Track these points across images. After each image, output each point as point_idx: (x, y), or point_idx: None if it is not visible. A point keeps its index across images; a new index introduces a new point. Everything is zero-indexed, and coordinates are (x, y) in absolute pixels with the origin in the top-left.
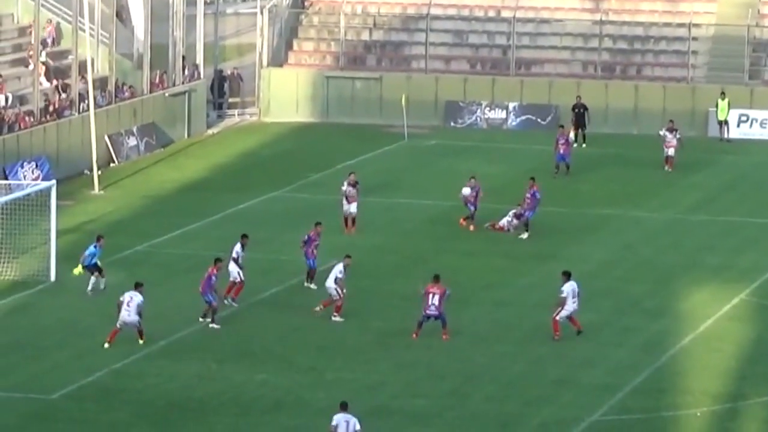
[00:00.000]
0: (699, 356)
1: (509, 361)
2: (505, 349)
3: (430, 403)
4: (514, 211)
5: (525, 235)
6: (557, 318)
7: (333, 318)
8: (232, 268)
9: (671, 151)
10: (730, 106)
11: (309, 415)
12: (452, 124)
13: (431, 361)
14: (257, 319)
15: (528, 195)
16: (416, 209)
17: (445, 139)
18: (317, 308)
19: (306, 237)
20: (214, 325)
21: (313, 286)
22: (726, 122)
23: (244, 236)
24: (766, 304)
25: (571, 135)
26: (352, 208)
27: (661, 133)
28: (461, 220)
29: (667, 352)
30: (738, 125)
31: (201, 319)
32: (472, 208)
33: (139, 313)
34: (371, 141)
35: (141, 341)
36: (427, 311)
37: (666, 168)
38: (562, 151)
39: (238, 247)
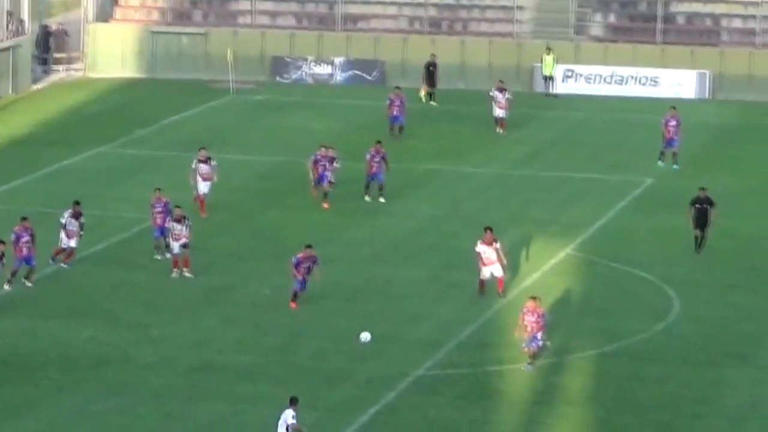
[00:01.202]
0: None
1: (336, 317)
2: (332, 305)
3: (257, 359)
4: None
5: (382, 199)
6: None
7: None
8: (62, 234)
9: (502, 113)
10: (555, 62)
11: (135, 372)
12: (278, 79)
13: (258, 318)
14: (83, 276)
15: (376, 157)
16: (243, 165)
17: (272, 94)
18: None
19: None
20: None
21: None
22: (552, 78)
23: (77, 203)
24: (592, 258)
25: (422, 92)
26: (205, 187)
27: (491, 93)
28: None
29: (493, 306)
30: (564, 80)
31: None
32: (326, 182)
33: None
34: (198, 96)
35: None
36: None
37: (498, 130)
38: (395, 113)
39: (67, 214)
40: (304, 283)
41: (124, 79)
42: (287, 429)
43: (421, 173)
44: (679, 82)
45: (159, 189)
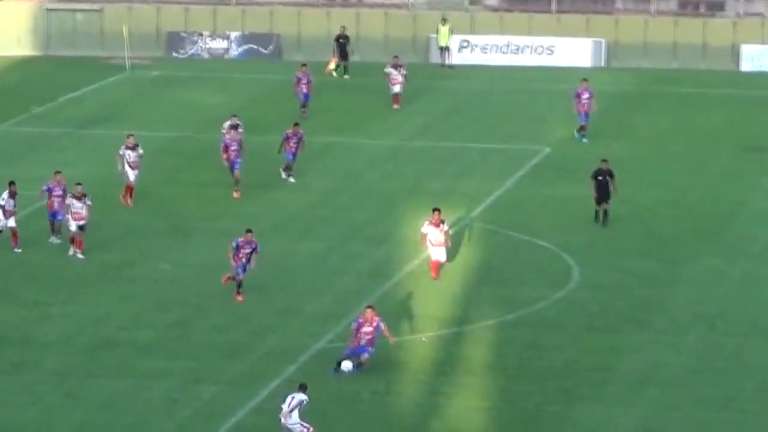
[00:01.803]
0: (424, 281)
1: (234, 291)
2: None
3: (156, 335)
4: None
5: (292, 180)
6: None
7: None
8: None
9: (398, 88)
10: (451, 33)
11: (35, 350)
12: (174, 54)
13: (157, 293)
14: None
15: (293, 140)
16: (141, 141)
17: (168, 70)
18: None
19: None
20: None
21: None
22: (447, 48)
23: (12, 183)
24: (491, 228)
25: (332, 65)
26: (133, 176)
27: (387, 70)
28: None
29: (393, 278)
30: (459, 51)
31: None
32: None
33: None
34: (94, 73)
35: None
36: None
37: (394, 106)
38: (305, 90)
39: (6, 195)
40: (243, 269)
41: (19, 57)
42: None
43: (317, 146)
44: (574, 50)
45: (59, 172)
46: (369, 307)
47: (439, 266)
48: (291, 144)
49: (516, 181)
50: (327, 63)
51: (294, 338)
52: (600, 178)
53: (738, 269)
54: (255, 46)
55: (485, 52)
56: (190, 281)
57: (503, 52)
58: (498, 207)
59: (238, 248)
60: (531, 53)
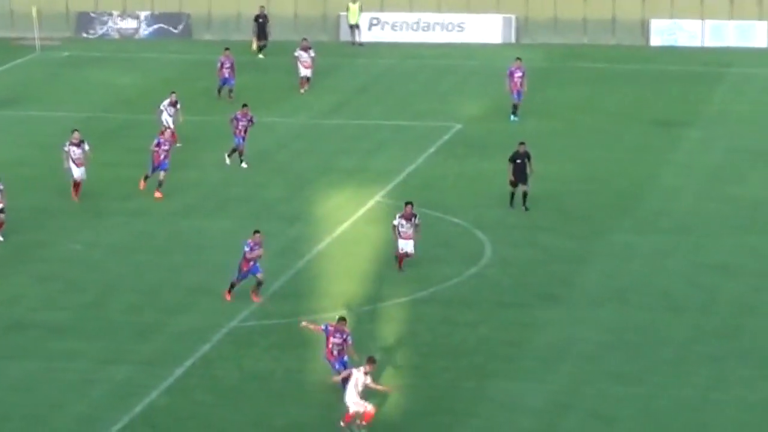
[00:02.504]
0: (336, 260)
1: (146, 270)
2: (142, 258)
3: (69, 315)
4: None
5: (245, 165)
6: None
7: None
8: None
9: (307, 72)
10: (360, 10)
11: None
12: (84, 35)
13: (69, 274)
14: None
15: (242, 122)
16: (50, 121)
17: (78, 50)
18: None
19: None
20: None
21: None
22: (357, 26)
23: None
24: (401, 205)
25: (254, 46)
26: (79, 173)
27: (296, 53)
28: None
29: (305, 256)
30: (369, 29)
31: None
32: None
33: None
34: (2, 54)
35: None
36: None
37: (301, 90)
38: (226, 75)
39: None
40: (246, 274)
41: None
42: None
43: (225, 125)
44: (484, 27)
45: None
46: (341, 318)
47: (405, 258)
48: (240, 127)
49: (427, 158)
50: (251, 43)
51: (207, 317)
52: (518, 161)
53: (650, 244)
54: (165, 26)
55: (395, 30)
56: (103, 261)
57: (413, 30)
58: (410, 184)
59: (251, 250)
60: (441, 30)
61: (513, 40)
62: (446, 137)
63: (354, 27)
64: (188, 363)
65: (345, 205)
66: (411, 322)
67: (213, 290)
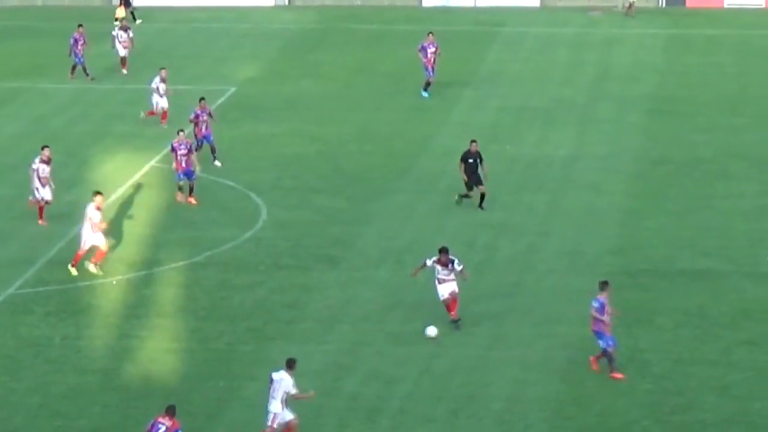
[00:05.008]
0: (113, 225)
1: None
2: None
3: None
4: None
5: (218, 164)
6: None
7: None
8: None
9: (125, 52)
10: None
11: None
12: None
13: None
14: None
15: (202, 116)
16: None
17: None
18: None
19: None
20: None
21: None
22: None
23: None
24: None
25: (120, 12)
26: (48, 193)
27: (114, 32)
28: None
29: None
30: None
31: None
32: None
33: None
34: None
35: None
36: None
37: (123, 71)
38: (80, 53)
39: None
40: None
41: None
42: (284, 398)
43: (2, 91)
44: None
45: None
46: None
47: (453, 302)
48: (202, 122)
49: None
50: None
51: None
52: (470, 160)
53: (426, 204)
54: None
55: None
56: None
57: None
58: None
59: (173, 150)
60: None
61: (285, 2)
62: (221, 100)
63: None
64: None
65: (121, 170)
66: (188, 286)
67: None
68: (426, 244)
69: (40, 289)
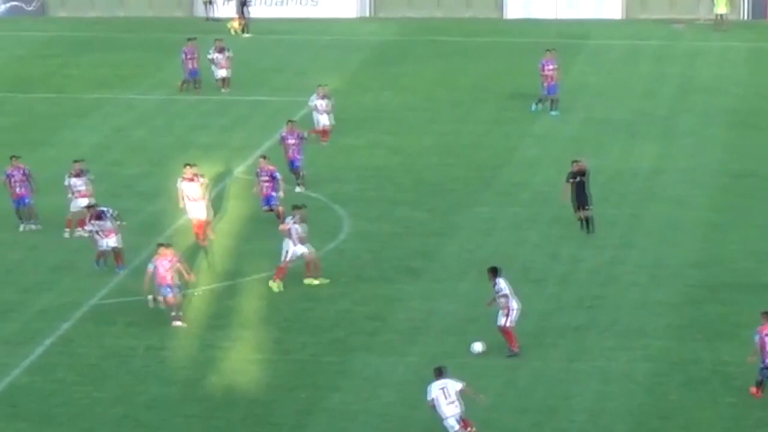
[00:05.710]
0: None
1: (6, 248)
2: (2, 236)
3: None
4: None
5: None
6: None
7: None
8: None
9: (224, 72)
10: None
11: None
12: None
13: None
14: None
15: (290, 138)
16: None
17: None
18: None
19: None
20: None
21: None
22: (211, 1)
23: None
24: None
25: (235, 24)
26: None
27: (211, 56)
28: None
29: (165, 232)
30: (224, 4)
31: None
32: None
33: None
34: None
35: None
36: None
37: (223, 90)
38: (192, 66)
39: None
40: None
41: None
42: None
43: (83, 102)
44: (339, 1)
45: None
46: (163, 245)
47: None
48: (289, 145)
49: None
50: (231, 21)
51: (67, 295)
52: (576, 179)
53: (508, 216)
54: (18, 4)
55: (250, 5)
56: None
57: (267, 5)
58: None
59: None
60: (296, 5)
61: (368, 14)
62: (303, 112)
63: (208, 2)
64: (48, 341)
65: None
66: (270, 298)
67: (73, 268)
68: (508, 256)
69: (124, 299)
